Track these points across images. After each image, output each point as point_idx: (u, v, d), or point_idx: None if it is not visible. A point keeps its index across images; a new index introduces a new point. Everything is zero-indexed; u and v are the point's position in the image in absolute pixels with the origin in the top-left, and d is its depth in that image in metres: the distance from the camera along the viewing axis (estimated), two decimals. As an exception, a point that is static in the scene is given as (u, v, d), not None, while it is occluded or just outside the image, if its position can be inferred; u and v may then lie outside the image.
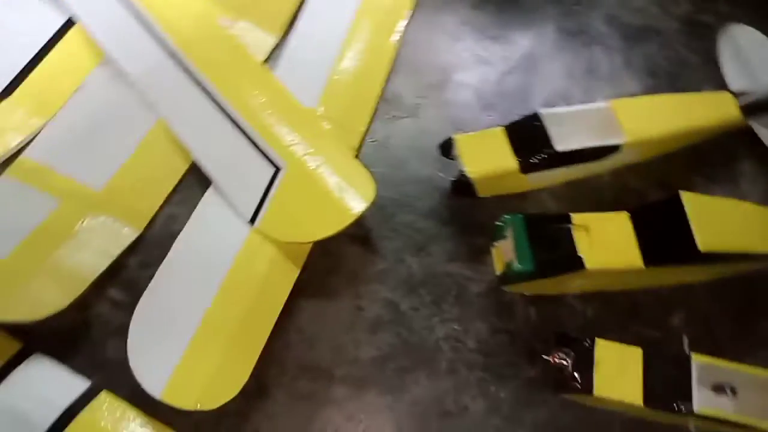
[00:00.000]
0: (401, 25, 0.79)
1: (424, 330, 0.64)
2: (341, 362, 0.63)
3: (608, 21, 0.84)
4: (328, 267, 0.67)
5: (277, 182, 0.65)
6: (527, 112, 0.68)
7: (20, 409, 0.55)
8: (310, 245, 0.65)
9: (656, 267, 0.59)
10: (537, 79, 0.80)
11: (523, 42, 0.82)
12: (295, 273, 0.63)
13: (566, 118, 0.66)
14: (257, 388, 0.60)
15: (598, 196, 0.71)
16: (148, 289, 0.61)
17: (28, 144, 0.68)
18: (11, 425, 0.55)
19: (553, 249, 0.59)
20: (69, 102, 0.70)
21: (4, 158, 0.67)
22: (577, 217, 0.61)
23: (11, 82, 0.70)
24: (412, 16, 0.81)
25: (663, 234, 0.59)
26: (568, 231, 0.60)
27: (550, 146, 0.64)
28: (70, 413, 0.55)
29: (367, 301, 0.65)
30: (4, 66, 0.71)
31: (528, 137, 0.66)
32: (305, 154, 0.66)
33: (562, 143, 0.65)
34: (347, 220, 0.62)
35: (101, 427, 0.55)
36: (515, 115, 0.69)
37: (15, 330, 0.60)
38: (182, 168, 0.69)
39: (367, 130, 0.74)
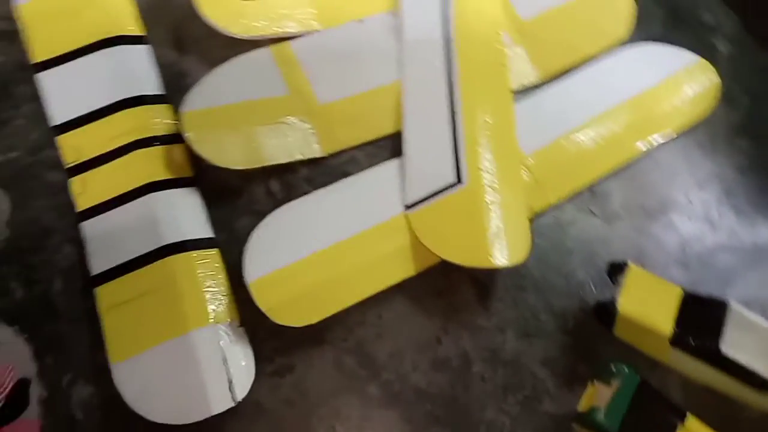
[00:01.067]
0: (657, 137, 0.76)
1: (478, 402, 0.62)
2: (391, 370, 0.63)
3: None
4: (438, 288, 0.67)
5: (449, 191, 0.66)
6: (718, 296, 0.61)
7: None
8: (439, 260, 0.66)
9: None
10: (750, 276, 0.71)
11: (763, 233, 0.74)
12: (411, 271, 0.65)
13: (752, 329, 0.59)
14: (312, 333, 0.63)
15: (732, 425, 0.62)
16: (299, 199, 0.67)
17: (296, 37, 0.77)
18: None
19: (646, 428, 0.54)
20: (346, 25, 0.79)
21: (273, 37, 0.77)
22: (692, 421, 0.54)
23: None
24: (673, 138, 0.77)
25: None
26: (673, 426, 0.54)
27: (717, 341, 0.58)
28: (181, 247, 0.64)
29: (450, 339, 0.65)
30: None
31: (701, 317, 0.59)
32: (489, 186, 0.67)
33: (730, 348, 0.57)
34: (483, 264, 0.61)
35: (195, 271, 0.63)
36: (703, 290, 0.62)
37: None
38: (387, 129, 0.74)
39: (557, 204, 0.72)
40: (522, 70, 0.78)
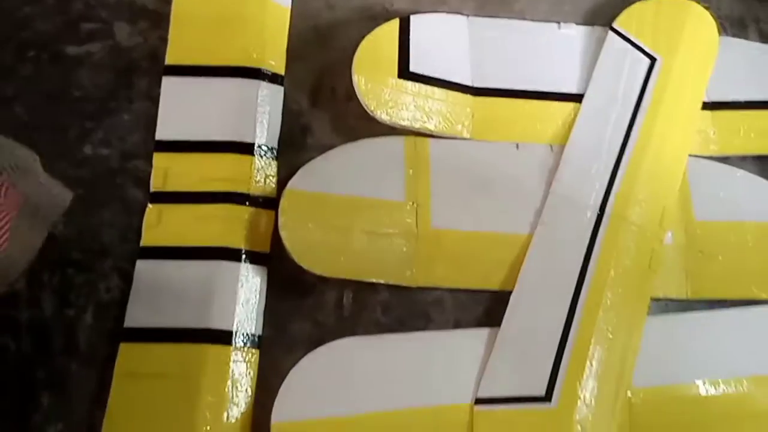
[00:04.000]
0: None
1: None
2: None
3: None
4: None
5: (533, 405, 0.56)
6: None
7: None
8: None
9: None
10: None
11: None
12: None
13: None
14: None
15: None
16: (358, 338, 0.59)
17: (439, 137, 0.67)
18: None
19: None
20: (499, 144, 0.68)
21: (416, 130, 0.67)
22: None
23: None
24: None
25: None
26: None
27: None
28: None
29: None
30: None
31: None
32: (579, 418, 0.56)
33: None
34: None
35: (226, 373, 0.56)
36: None
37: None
38: (492, 284, 0.63)
39: None
40: (673, 279, 0.65)
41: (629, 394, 0.59)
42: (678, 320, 0.64)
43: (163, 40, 0.68)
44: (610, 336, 0.59)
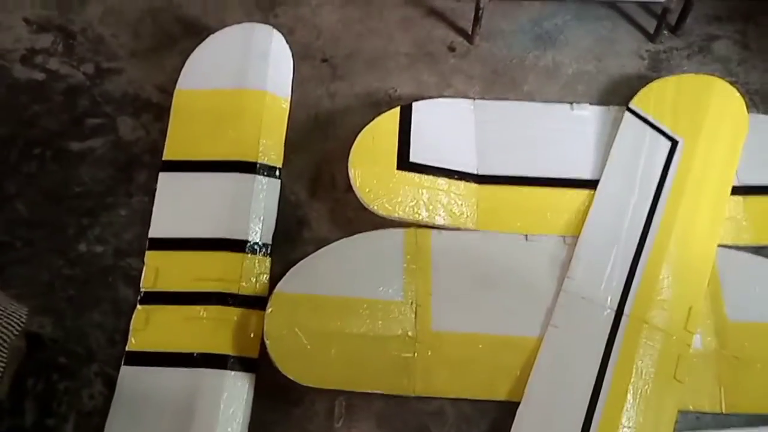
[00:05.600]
0: None
1: None
2: None
3: None
4: None
5: None
6: None
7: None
8: None
9: None
10: None
11: None
12: None
13: None
14: None
15: None
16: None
17: (442, 228, 0.64)
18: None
19: None
20: (506, 235, 0.64)
21: (408, 221, 0.63)
22: None
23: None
24: None
25: None
26: None
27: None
28: None
29: None
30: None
31: None
32: None
33: None
34: None
35: None
36: None
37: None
38: (497, 394, 0.57)
39: None
40: (704, 390, 0.58)
41: None
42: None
43: (165, 133, 0.68)
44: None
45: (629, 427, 0.54)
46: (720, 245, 0.64)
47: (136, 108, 0.71)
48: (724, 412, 0.58)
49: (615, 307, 0.59)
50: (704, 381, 0.59)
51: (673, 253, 0.62)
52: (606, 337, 0.58)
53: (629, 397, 0.55)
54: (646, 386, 0.56)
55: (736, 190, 0.67)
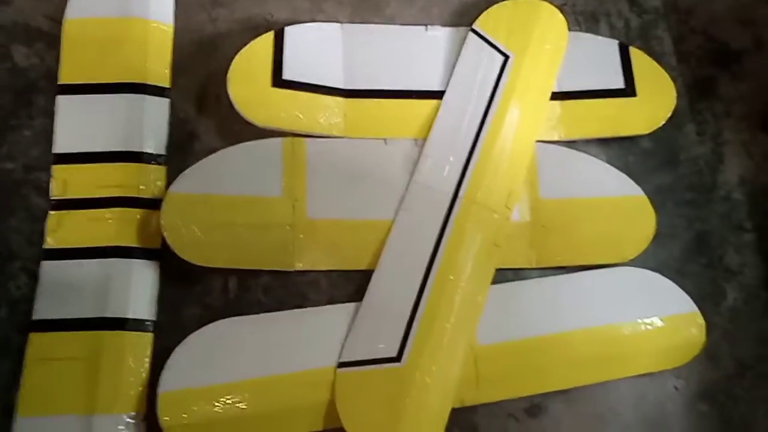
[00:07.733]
0: (619, 374, 0.73)
1: None
2: None
3: None
4: None
5: (384, 366, 0.66)
6: None
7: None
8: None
9: None
10: None
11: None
12: (318, 426, 0.66)
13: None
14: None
15: None
16: (239, 318, 0.68)
17: (315, 137, 0.76)
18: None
19: None
20: (368, 141, 0.77)
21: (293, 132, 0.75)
22: None
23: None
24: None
25: None
26: None
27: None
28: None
29: None
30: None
31: None
32: (422, 375, 0.66)
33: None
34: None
35: (122, 354, 0.65)
36: None
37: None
38: (362, 265, 0.72)
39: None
40: (517, 250, 0.76)
41: (474, 350, 0.70)
42: (522, 285, 0.75)
43: (59, 60, 0.75)
44: (456, 304, 0.70)
45: (457, 280, 0.71)
46: (539, 141, 0.81)
47: (28, 37, 0.76)
48: (534, 266, 0.76)
49: (452, 192, 0.74)
50: (519, 245, 0.76)
51: (499, 148, 0.77)
52: (444, 215, 0.73)
53: (459, 257, 0.72)
54: (473, 250, 0.73)
55: (555, 96, 0.82)
